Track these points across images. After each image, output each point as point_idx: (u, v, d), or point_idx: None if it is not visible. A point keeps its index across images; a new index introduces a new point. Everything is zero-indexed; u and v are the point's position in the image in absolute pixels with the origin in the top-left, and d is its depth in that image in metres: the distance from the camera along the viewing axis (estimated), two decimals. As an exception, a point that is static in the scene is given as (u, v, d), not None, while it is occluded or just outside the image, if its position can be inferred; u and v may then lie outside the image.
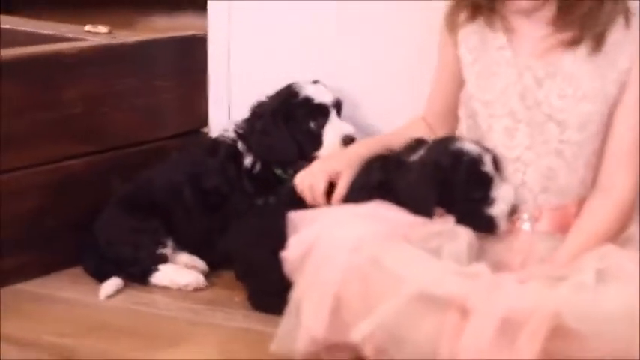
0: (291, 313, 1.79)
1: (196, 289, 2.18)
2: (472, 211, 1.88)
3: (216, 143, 2.26)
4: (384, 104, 2.31)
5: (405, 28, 2.29)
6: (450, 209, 1.88)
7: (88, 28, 2.56)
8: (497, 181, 1.90)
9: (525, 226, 1.93)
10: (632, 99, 1.91)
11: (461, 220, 1.88)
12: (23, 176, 2.16)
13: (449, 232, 1.83)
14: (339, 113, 2.21)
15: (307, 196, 2.02)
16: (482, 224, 1.88)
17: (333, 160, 2.08)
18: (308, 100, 2.18)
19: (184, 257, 2.25)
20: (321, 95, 2.18)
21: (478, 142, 1.94)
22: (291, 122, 2.18)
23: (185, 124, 2.47)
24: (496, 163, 1.92)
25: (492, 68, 1.98)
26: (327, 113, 2.18)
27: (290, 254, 1.80)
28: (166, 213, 2.24)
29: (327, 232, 1.78)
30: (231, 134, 2.24)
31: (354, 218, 1.81)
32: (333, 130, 2.18)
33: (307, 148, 2.18)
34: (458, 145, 1.90)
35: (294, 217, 1.83)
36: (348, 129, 2.18)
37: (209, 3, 2.47)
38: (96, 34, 2.52)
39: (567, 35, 1.90)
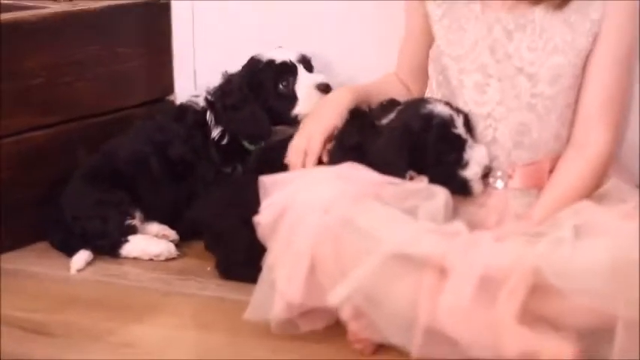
0: (264, 279, 1.79)
1: (168, 259, 2.15)
2: (445, 173, 1.87)
3: (184, 109, 2.24)
4: (354, 65, 2.29)
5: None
6: (423, 172, 1.86)
7: (46, -6, 2.53)
8: (469, 143, 1.88)
9: (498, 184, 1.94)
10: (605, 51, 1.92)
11: (434, 183, 1.86)
12: (-16, 149, 2.13)
13: (425, 191, 1.83)
14: (309, 69, 2.19)
15: (295, 164, 1.97)
16: (456, 186, 1.87)
17: (324, 114, 2.01)
18: (272, 63, 2.16)
19: (154, 227, 2.22)
20: (284, 55, 2.17)
21: (449, 103, 1.93)
22: (260, 91, 2.16)
23: (150, 92, 2.44)
24: (468, 124, 1.91)
25: (461, 22, 1.99)
26: (294, 70, 2.16)
27: (262, 219, 1.80)
28: (132, 183, 2.21)
29: (298, 194, 1.78)
30: (201, 101, 2.21)
31: (326, 180, 1.80)
32: (305, 83, 2.16)
33: (283, 110, 2.17)
34: (429, 107, 1.90)
35: (266, 180, 1.82)
36: (319, 78, 2.17)
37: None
38: (56, 1, 2.45)
39: None
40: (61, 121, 2.28)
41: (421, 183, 1.85)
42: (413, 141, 1.86)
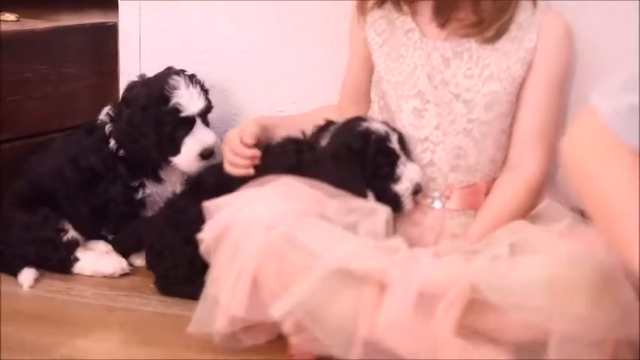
0: (208, 294, 1.83)
1: (113, 277, 2.19)
2: (379, 187, 1.95)
3: (94, 125, 2.28)
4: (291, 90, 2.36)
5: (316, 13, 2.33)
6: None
7: (-4, 15, 2.57)
8: (403, 159, 1.96)
9: (436, 204, 2.00)
10: (538, 79, 2.01)
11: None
12: None
13: (366, 208, 1.88)
14: (205, 119, 2.23)
15: (230, 145, 2.04)
16: (388, 200, 1.94)
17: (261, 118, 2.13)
18: (177, 111, 2.18)
19: (101, 245, 2.26)
20: (190, 105, 2.19)
21: (385, 121, 2.00)
22: (157, 125, 2.19)
23: (96, 112, 2.43)
24: (402, 142, 1.98)
25: (400, 50, 2.05)
26: (192, 124, 2.19)
27: (206, 235, 1.84)
28: (54, 197, 2.24)
29: (242, 211, 1.82)
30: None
31: (268, 197, 1.84)
32: (194, 142, 2.19)
33: (166, 151, 2.20)
34: (365, 125, 1.98)
35: (209, 205, 1.87)
36: (209, 140, 2.20)
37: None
38: (4, 21, 2.50)
39: (472, 21, 1.97)
40: (8, 138, 2.32)
41: (362, 200, 1.90)
42: (358, 158, 1.93)
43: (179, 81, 2.21)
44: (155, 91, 2.20)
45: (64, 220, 2.22)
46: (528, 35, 1.98)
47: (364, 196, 1.93)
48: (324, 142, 1.99)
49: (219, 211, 1.85)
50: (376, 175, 1.95)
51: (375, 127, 1.97)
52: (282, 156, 2.00)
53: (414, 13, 2.05)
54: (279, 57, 2.38)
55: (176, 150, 2.20)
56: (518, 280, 1.68)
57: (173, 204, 2.18)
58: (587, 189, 1.49)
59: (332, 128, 2.00)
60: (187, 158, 2.20)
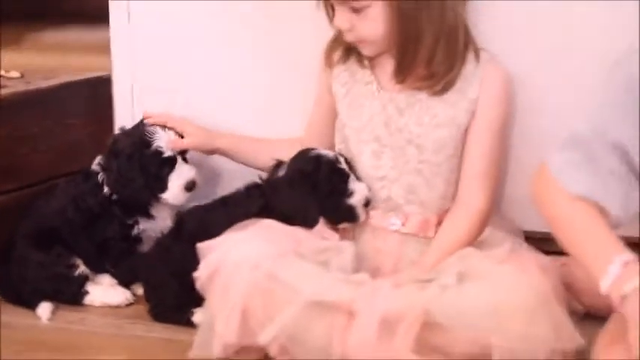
0: (205, 324, 2.03)
1: (118, 307, 2.37)
2: (335, 203, 2.16)
3: (89, 172, 2.44)
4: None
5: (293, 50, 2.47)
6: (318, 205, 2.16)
7: (1, 72, 2.75)
8: (352, 177, 2.17)
9: (394, 226, 2.19)
10: (481, 125, 2.17)
11: (325, 213, 2.17)
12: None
13: (335, 248, 2.09)
14: (185, 156, 2.40)
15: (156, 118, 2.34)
16: (344, 213, 2.17)
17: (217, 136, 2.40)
18: (159, 153, 2.35)
19: (106, 279, 2.43)
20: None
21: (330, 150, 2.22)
22: (143, 168, 2.35)
23: (94, 157, 2.55)
24: (349, 164, 2.19)
25: (360, 100, 2.23)
26: (174, 163, 2.37)
27: (201, 274, 2.04)
28: (61, 236, 2.40)
29: (229, 254, 2.00)
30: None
31: (251, 240, 2.03)
32: (178, 177, 2.36)
33: (155, 190, 2.38)
34: (315, 152, 2.19)
35: (201, 246, 2.05)
36: (190, 174, 2.37)
37: (112, 48, 2.63)
38: (9, 78, 2.70)
39: (424, 76, 2.16)
40: (17, 187, 2.48)
41: (332, 240, 2.12)
42: (310, 181, 2.15)
43: (156, 127, 2.37)
44: (137, 138, 2.36)
45: (74, 257, 2.39)
46: (471, 88, 2.15)
47: (316, 220, 2.13)
48: (281, 174, 2.20)
49: (211, 252, 2.03)
50: (331, 193, 2.15)
51: (324, 152, 2.18)
52: (249, 201, 2.22)
53: (372, 67, 2.23)
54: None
55: (164, 187, 2.36)
56: (464, 304, 1.89)
57: (159, 243, 2.35)
58: (550, 223, 1.75)
59: (285, 165, 2.19)
60: (174, 193, 2.36)
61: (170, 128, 2.39)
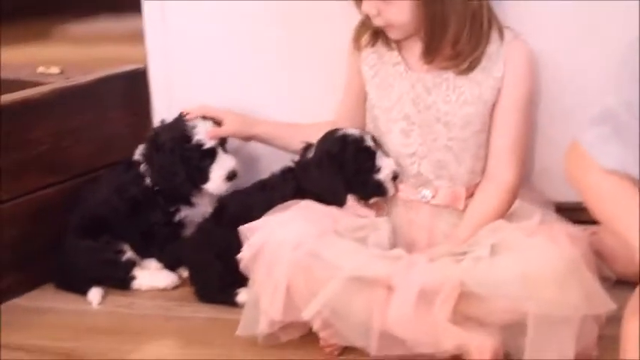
0: (250, 303, 2.10)
1: (165, 290, 2.45)
2: (363, 179, 2.22)
3: (131, 162, 2.52)
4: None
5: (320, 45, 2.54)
6: (347, 183, 2.22)
7: (41, 70, 2.84)
8: (379, 153, 2.24)
9: (427, 194, 2.25)
10: (507, 102, 2.22)
11: (355, 190, 2.23)
12: (6, 208, 2.41)
13: (372, 224, 2.16)
14: (224, 146, 2.47)
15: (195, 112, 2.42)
16: (373, 189, 2.23)
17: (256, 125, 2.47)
18: (199, 146, 2.43)
19: (153, 263, 2.51)
20: (210, 140, 2.43)
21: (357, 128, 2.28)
22: (185, 161, 2.43)
23: (134, 149, 2.63)
24: (375, 141, 2.25)
25: (389, 80, 2.29)
26: (215, 154, 2.44)
27: (244, 255, 2.11)
28: (108, 224, 2.48)
29: (272, 235, 2.07)
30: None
31: (292, 221, 2.10)
32: (219, 168, 2.44)
33: (197, 181, 2.46)
34: (341, 132, 2.25)
35: (244, 228, 2.12)
36: (231, 164, 2.44)
37: (147, 42, 2.69)
38: (49, 74, 2.79)
39: (450, 55, 2.22)
40: (64, 179, 2.56)
41: (368, 217, 2.19)
42: (337, 162, 2.22)
43: (195, 120, 2.44)
44: (178, 133, 2.43)
45: (122, 243, 2.47)
46: (496, 66, 2.20)
47: (344, 199, 2.20)
48: (309, 155, 2.27)
49: (253, 234, 2.10)
50: (359, 170, 2.21)
51: (350, 132, 2.25)
52: (285, 184, 2.30)
53: (400, 49, 2.29)
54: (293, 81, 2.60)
55: (205, 179, 2.44)
56: (497, 275, 1.95)
57: (202, 227, 2.43)
58: (584, 198, 1.76)
59: (314, 146, 2.26)
60: (216, 183, 2.44)
61: (209, 118, 2.45)
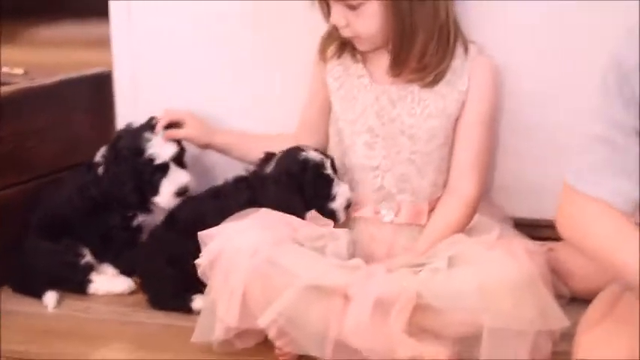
0: (207, 309, 2.09)
1: (121, 295, 2.44)
2: (317, 206, 2.21)
3: (92, 163, 2.51)
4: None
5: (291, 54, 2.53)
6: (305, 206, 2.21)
7: (5, 70, 2.83)
8: (336, 181, 2.24)
9: (387, 217, 2.25)
10: (471, 116, 2.24)
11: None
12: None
13: (331, 234, 2.16)
14: (180, 160, 2.46)
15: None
16: (326, 215, 2.21)
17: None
18: (151, 160, 2.42)
19: (109, 269, 2.50)
20: (163, 153, 2.43)
21: (318, 149, 2.27)
22: (136, 173, 2.42)
23: (97, 150, 2.62)
24: (334, 166, 2.25)
25: (353, 93, 2.30)
26: (167, 169, 2.42)
27: (202, 261, 2.10)
28: (69, 225, 2.46)
29: (228, 243, 2.06)
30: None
31: (250, 228, 2.10)
32: (170, 184, 2.42)
33: (147, 194, 2.45)
34: (303, 154, 2.24)
35: (202, 234, 2.12)
36: (183, 180, 2.42)
37: (113, 44, 2.69)
38: (13, 75, 2.79)
39: (415, 68, 2.23)
40: (26, 179, 2.55)
41: (328, 227, 2.19)
42: (296, 183, 2.21)
43: (154, 133, 2.42)
44: (133, 144, 2.42)
45: (82, 246, 2.45)
46: (461, 80, 2.22)
47: (303, 215, 2.18)
48: (269, 169, 2.25)
49: (211, 240, 2.10)
50: (315, 196, 2.21)
51: (312, 155, 2.23)
52: (238, 193, 2.29)
53: (365, 61, 2.30)
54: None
55: (155, 192, 2.43)
56: (454, 287, 1.96)
57: (153, 234, 2.42)
58: (581, 246, 1.75)
59: (275, 157, 2.25)
60: (165, 198, 2.42)
61: (171, 126, 2.45)
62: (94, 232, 2.50)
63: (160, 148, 2.43)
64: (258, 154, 2.35)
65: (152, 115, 2.49)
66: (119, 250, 2.52)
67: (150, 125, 2.47)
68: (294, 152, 2.26)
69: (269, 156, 2.30)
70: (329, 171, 2.24)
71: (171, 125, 2.46)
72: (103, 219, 2.50)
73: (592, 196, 1.71)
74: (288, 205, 2.20)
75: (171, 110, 2.49)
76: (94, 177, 2.50)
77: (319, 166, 2.23)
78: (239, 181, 2.33)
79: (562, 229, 1.78)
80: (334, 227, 2.22)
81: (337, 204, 2.24)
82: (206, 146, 2.51)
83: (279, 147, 2.32)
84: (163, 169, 2.44)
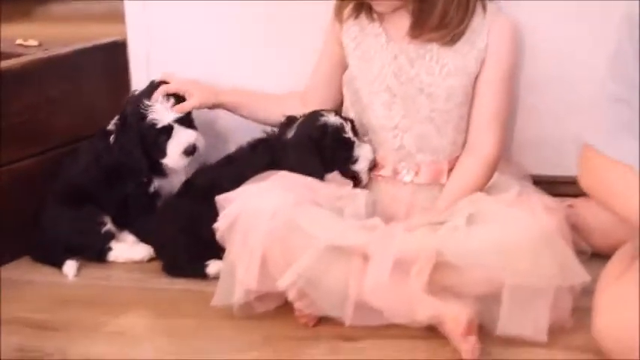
0: (226, 272, 2.10)
1: (140, 262, 2.45)
2: (340, 169, 2.23)
3: (106, 131, 2.51)
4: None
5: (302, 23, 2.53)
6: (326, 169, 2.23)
7: (19, 41, 2.83)
8: (357, 143, 2.24)
9: (407, 178, 2.25)
10: (490, 74, 2.22)
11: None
12: (-18, 179, 2.38)
13: (349, 195, 2.16)
14: (187, 120, 2.45)
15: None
16: (349, 178, 2.23)
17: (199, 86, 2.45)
18: (153, 125, 2.42)
19: (129, 237, 2.51)
20: (164, 117, 2.42)
21: (338, 112, 2.28)
22: (142, 138, 2.43)
23: (112, 120, 2.63)
24: (354, 129, 2.25)
25: (370, 52, 2.28)
26: (170, 131, 2.42)
27: (220, 225, 2.10)
28: (89, 193, 2.48)
29: (248, 204, 2.07)
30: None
31: (269, 190, 2.10)
32: (175, 145, 2.42)
33: (155, 156, 2.45)
34: (323, 119, 2.24)
35: (220, 199, 2.12)
36: (189, 139, 2.43)
37: (126, 14, 2.69)
38: (28, 46, 2.78)
39: (435, 27, 2.21)
40: (41, 151, 2.55)
41: (346, 187, 2.19)
42: (316, 147, 2.22)
43: (155, 97, 2.42)
44: (135, 111, 2.43)
45: (104, 214, 2.47)
46: (480, 37, 2.21)
47: (322, 178, 2.20)
48: (290, 134, 2.26)
49: (229, 203, 2.10)
50: (336, 160, 2.22)
51: (331, 120, 2.24)
52: (256, 157, 2.30)
53: (381, 20, 2.28)
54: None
55: (163, 154, 2.43)
56: (473, 244, 1.96)
57: (167, 202, 2.45)
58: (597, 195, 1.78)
59: (296, 123, 2.26)
60: (173, 159, 2.43)
61: (172, 95, 2.44)
62: (113, 200, 2.51)
63: (160, 113, 2.43)
64: (266, 112, 2.39)
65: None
66: (137, 217, 2.53)
67: (151, 90, 2.47)
68: (313, 117, 2.27)
69: (290, 120, 2.31)
70: (349, 134, 2.24)
71: (178, 97, 2.45)
72: (119, 186, 2.51)
73: (611, 158, 1.72)
74: (306, 168, 2.20)
75: (175, 80, 2.46)
76: (107, 145, 2.51)
77: (339, 130, 2.24)
78: (257, 144, 2.33)
79: (584, 183, 1.80)
80: (357, 188, 2.23)
81: (360, 166, 2.25)
82: (214, 107, 2.50)
83: (285, 105, 2.37)
84: (167, 131, 2.44)
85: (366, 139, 2.29)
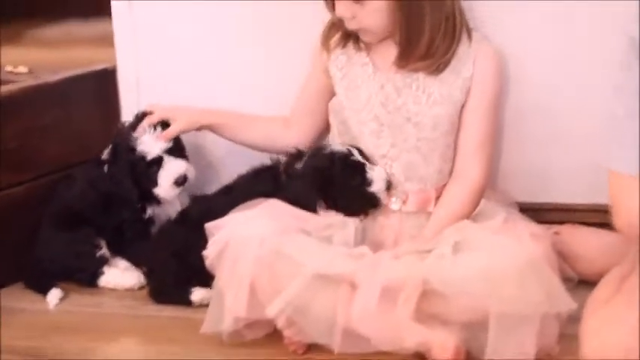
0: (215, 300, 2.11)
1: (131, 289, 2.45)
2: (355, 194, 2.22)
3: (100, 160, 2.53)
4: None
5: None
6: (337, 201, 2.23)
7: (9, 68, 2.83)
8: (369, 166, 2.24)
9: (395, 206, 2.26)
10: (475, 102, 2.24)
11: (349, 205, 2.23)
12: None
13: (339, 223, 2.17)
14: (177, 150, 2.47)
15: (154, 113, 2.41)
16: (367, 202, 2.23)
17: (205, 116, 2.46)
18: (143, 157, 2.44)
19: (122, 262, 2.51)
20: (154, 148, 2.44)
21: (343, 143, 2.28)
22: (133, 169, 2.45)
23: (103, 146, 2.62)
24: (363, 154, 2.25)
25: (357, 82, 2.30)
26: (160, 161, 2.44)
27: (209, 253, 2.12)
28: (86, 217, 2.48)
29: (236, 233, 2.08)
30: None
31: (258, 218, 2.12)
32: (166, 175, 2.44)
33: (147, 187, 2.47)
34: (329, 148, 2.26)
35: (209, 226, 2.14)
36: (179, 170, 2.45)
37: (116, 41, 2.70)
38: (18, 74, 2.78)
39: (421, 57, 2.23)
40: (32, 177, 2.55)
41: (335, 216, 2.19)
42: (322, 178, 2.21)
43: (142, 129, 2.44)
44: (125, 143, 2.45)
45: (99, 238, 2.48)
46: (465, 66, 2.22)
47: (314, 209, 2.20)
48: (298, 166, 2.27)
49: (218, 231, 2.12)
50: (348, 186, 2.22)
51: (337, 148, 2.25)
52: (257, 182, 2.31)
53: (368, 50, 2.30)
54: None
55: (154, 184, 2.45)
56: (460, 272, 1.97)
57: (163, 228, 2.47)
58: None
59: (305, 155, 2.28)
60: (164, 189, 2.45)
61: (158, 123, 2.45)
62: (108, 225, 2.52)
63: (149, 144, 2.44)
64: (249, 134, 2.42)
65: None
66: (132, 243, 2.54)
67: (137, 122, 2.49)
68: (319, 148, 2.29)
69: (300, 152, 2.32)
70: (358, 157, 2.24)
71: (165, 124, 2.46)
72: (115, 212, 2.52)
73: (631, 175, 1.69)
74: (300, 199, 2.21)
75: (158, 109, 2.47)
76: (101, 173, 2.52)
77: (347, 156, 2.24)
78: (261, 171, 2.35)
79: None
80: (376, 211, 2.25)
81: (376, 187, 2.24)
82: (200, 128, 2.51)
83: (269, 128, 2.41)
84: (157, 162, 2.45)
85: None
